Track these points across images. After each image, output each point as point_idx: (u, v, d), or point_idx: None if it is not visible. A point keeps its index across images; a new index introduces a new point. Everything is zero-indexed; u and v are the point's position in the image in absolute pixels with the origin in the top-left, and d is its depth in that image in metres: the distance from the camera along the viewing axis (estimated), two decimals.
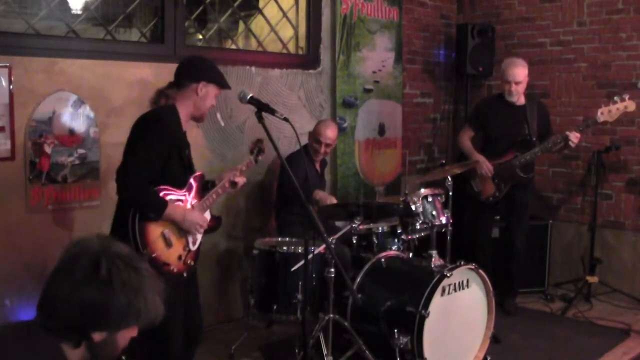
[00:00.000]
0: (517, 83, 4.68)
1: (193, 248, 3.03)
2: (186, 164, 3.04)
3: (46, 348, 1.59)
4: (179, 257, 2.94)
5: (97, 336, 1.60)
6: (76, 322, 1.58)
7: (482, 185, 4.87)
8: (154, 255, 2.81)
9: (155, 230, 2.86)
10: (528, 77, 4.77)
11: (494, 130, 4.86)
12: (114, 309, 1.58)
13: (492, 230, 5.15)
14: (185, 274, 2.98)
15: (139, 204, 2.84)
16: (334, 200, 4.45)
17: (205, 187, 3.18)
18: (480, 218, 5.01)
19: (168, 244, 2.89)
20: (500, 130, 4.80)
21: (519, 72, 4.67)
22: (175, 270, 2.91)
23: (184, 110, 3.02)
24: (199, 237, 3.08)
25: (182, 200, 2.98)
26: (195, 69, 3.05)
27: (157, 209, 2.85)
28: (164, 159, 2.88)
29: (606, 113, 4.53)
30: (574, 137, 4.53)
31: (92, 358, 1.63)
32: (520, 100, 4.79)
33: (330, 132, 4.38)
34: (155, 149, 2.85)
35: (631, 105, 4.53)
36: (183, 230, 2.96)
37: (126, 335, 1.66)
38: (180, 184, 2.99)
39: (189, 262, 3.01)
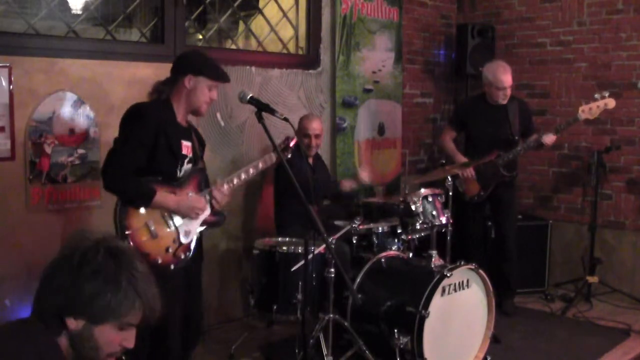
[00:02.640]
0: (510, 87, 4.72)
1: (185, 241, 3.01)
2: (178, 156, 3.02)
3: (43, 345, 1.59)
4: (167, 249, 2.93)
5: (72, 323, 1.59)
6: (51, 306, 1.58)
7: (467, 186, 4.88)
8: (133, 244, 2.81)
9: (138, 219, 2.87)
10: None
11: (476, 130, 4.89)
12: (82, 295, 1.56)
13: (481, 231, 5.13)
14: (172, 267, 2.94)
15: (122, 194, 2.88)
16: (364, 177, 4.49)
17: (208, 186, 3.18)
18: (467, 219, 4.97)
19: (152, 235, 2.89)
20: (483, 130, 4.83)
21: (509, 77, 4.70)
22: (160, 261, 2.89)
23: (178, 104, 3.06)
24: (194, 230, 3.05)
25: (174, 192, 2.98)
26: (184, 62, 3.08)
27: (144, 198, 2.88)
28: (148, 150, 2.90)
29: (587, 111, 4.57)
30: (548, 139, 4.60)
31: (74, 351, 1.62)
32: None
33: (315, 124, 4.45)
34: (136, 140, 2.88)
35: (611, 103, 4.56)
36: (173, 221, 2.96)
37: (108, 333, 1.61)
38: (170, 175, 2.99)
39: (180, 255, 2.98)
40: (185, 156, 3.07)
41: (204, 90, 3.04)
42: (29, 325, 1.62)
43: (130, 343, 1.65)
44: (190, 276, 3.12)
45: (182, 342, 3.09)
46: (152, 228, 2.89)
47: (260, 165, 3.30)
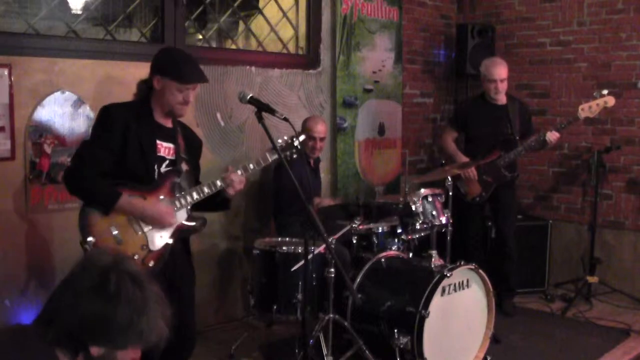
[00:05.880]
0: (502, 81, 4.74)
1: (154, 248, 2.84)
2: (152, 157, 2.88)
3: (42, 353, 1.58)
4: (133, 256, 2.76)
5: (95, 350, 1.58)
6: (75, 332, 1.57)
7: (468, 186, 4.88)
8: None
9: (102, 223, 2.76)
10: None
11: (477, 130, 4.89)
12: (116, 325, 1.56)
13: (481, 231, 5.13)
14: None
15: (85, 195, 2.79)
16: (331, 202, 4.47)
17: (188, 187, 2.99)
18: (467, 219, 4.96)
19: (117, 240, 2.76)
20: (483, 130, 4.83)
21: (503, 70, 4.75)
22: None
23: (155, 104, 2.95)
24: (166, 236, 2.88)
25: (144, 197, 2.83)
26: (154, 62, 2.96)
27: (107, 201, 2.75)
28: (114, 153, 2.79)
29: (587, 109, 4.56)
30: (553, 136, 4.59)
31: None
32: (502, 99, 4.83)
33: (321, 127, 4.44)
34: (101, 142, 2.80)
35: (611, 101, 4.56)
36: (141, 226, 2.82)
37: (126, 356, 1.63)
38: (142, 178, 2.86)
39: (148, 263, 2.82)
40: (162, 158, 2.92)
41: (172, 92, 2.89)
42: (29, 335, 1.61)
43: (137, 356, 1.67)
44: (176, 285, 2.92)
45: (175, 353, 3.00)
46: (116, 233, 2.76)
47: (253, 166, 3.08)
